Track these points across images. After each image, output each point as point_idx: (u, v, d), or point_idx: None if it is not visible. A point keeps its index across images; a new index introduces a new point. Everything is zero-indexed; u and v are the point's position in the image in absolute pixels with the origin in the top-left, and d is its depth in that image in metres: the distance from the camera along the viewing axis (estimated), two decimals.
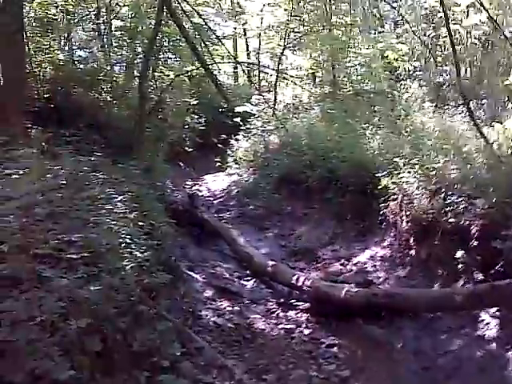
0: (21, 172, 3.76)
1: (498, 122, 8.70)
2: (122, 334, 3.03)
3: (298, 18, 15.02)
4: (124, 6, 11.30)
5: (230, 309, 5.48)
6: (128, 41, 11.16)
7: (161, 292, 4.19)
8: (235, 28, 17.54)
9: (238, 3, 16.66)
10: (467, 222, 5.26)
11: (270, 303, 5.85)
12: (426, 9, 14.38)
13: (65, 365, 2.35)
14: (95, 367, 2.68)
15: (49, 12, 9.26)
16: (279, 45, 15.36)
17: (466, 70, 12.87)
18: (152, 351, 3.37)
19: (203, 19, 11.20)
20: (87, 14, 12.78)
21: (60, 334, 2.46)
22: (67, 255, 2.98)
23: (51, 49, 8.37)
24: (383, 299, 4.86)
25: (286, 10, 14.47)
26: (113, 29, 11.45)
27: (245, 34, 18.44)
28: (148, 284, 3.83)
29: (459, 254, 5.20)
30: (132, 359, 3.11)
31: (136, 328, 3.26)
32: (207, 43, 11.67)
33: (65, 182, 4.21)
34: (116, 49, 11.80)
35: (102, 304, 2.84)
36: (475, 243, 5.05)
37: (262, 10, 14.51)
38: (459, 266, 5.17)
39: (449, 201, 5.62)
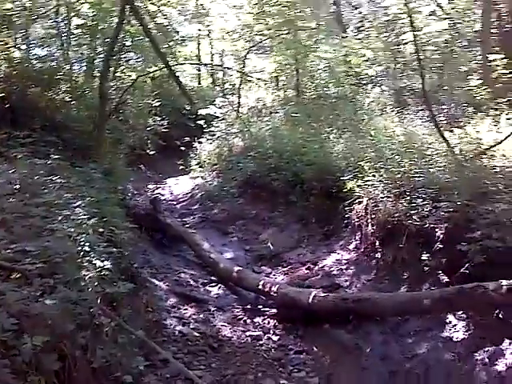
0: None
1: (458, 126, 8.91)
2: (82, 350, 2.84)
3: (262, 22, 15.01)
4: (85, 3, 10.93)
5: (195, 317, 5.33)
6: (88, 39, 10.83)
7: (122, 302, 4.00)
8: (199, 30, 17.36)
9: (201, 5, 16.46)
10: (432, 225, 5.30)
11: (237, 310, 5.73)
12: (389, 15, 14.66)
13: None
14: None
15: (5, 7, 8.83)
16: (243, 48, 15.31)
17: (428, 75, 13.13)
18: (114, 366, 3.19)
19: (167, 19, 10.97)
20: (46, 11, 12.35)
21: (12, 354, 2.26)
22: (20, 266, 2.75)
23: (6, 46, 7.94)
24: (352, 304, 4.82)
25: (250, 13, 14.43)
26: (72, 27, 11.06)
27: (209, 36, 18.27)
28: (109, 294, 3.64)
29: (424, 256, 5.23)
30: (93, 376, 2.93)
31: (96, 342, 3.07)
32: (171, 44, 11.45)
33: (18, 187, 3.97)
34: (76, 47, 11.44)
35: (59, 319, 2.64)
36: (440, 246, 5.09)
37: (226, 13, 14.40)
38: (425, 268, 5.21)
39: (413, 204, 5.65)
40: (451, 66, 13.54)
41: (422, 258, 5.24)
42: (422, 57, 10.17)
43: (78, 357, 2.74)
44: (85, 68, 11.34)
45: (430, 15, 12.62)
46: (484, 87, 10.33)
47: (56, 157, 5.56)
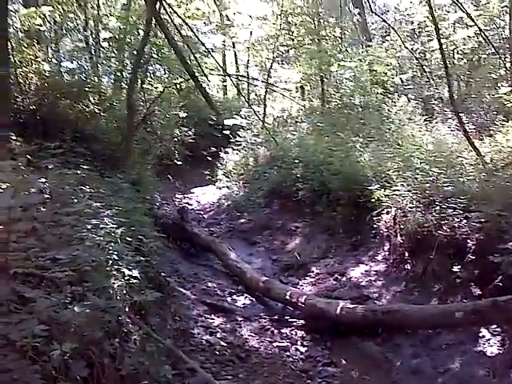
0: (2, 186, 3.57)
1: (488, 135, 8.73)
2: (110, 358, 2.85)
3: (286, 32, 15.07)
4: (112, 16, 11.18)
5: (222, 326, 5.31)
6: (116, 52, 11.05)
7: (150, 311, 4.01)
8: (224, 41, 17.55)
9: (226, 16, 16.65)
10: (463, 236, 5.17)
11: (264, 320, 5.68)
12: (413, 23, 14.53)
13: None
14: None
15: (35, 22, 9.11)
16: (268, 58, 15.38)
17: (455, 83, 12.96)
18: (142, 374, 3.18)
19: (192, 31, 11.11)
20: (75, 26, 12.71)
21: (42, 360, 2.27)
22: (50, 274, 2.79)
23: (38, 59, 8.17)
24: (382, 316, 4.71)
25: (274, 23, 14.50)
26: (101, 40, 11.33)
27: (234, 47, 18.44)
28: (137, 302, 3.65)
29: (455, 268, 5.10)
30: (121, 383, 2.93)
31: (124, 350, 3.08)
32: (196, 55, 11.58)
33: (49, 197, 4.04)
34: (104, 60, 11.70)
35: (88, 326, 2.66)
36: (472, 257, 4.96)
37: (250, 24, 14.50)
38: (456, 280, 5.07)
39: (443, 214, 5.53)
40: (479, 73, 13.30)
41: (453, 269, 5.12)
42: (448, 64, 10.05)
43: (106, 364, 2.74)
44: (113, 80, 11.57)
45: (456, 22, 12.47)
46: None
47: (85, 167, 5.66)
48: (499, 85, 11.51)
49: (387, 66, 13.79)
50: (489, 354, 4.19)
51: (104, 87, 10.72)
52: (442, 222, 5.46)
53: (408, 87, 15.38)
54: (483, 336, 4.35)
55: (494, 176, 6.12)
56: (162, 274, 5.06)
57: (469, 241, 5.09)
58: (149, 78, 11.73)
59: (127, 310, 3.41)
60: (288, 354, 4.82)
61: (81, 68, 10.93)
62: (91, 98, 8.84)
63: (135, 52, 9.32)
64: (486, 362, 4.11)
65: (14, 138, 5.86)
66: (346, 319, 5.03)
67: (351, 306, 5.09)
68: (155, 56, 11.07)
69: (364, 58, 13.97)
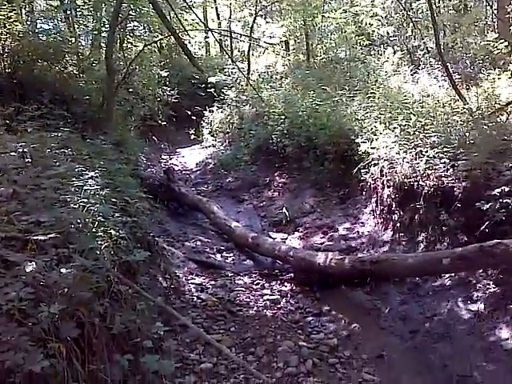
0: None
1: (475, 83, 8.66)
2: (100, 317, 2.85)
3: None
4: None
5: (212, 283, 5.35)
6: (92, 10, 10.65)
7: (140, 270, 4.00)
8: None
9: None
10: (450, 185, 5.19)
11: (254, 275, 5.74)
12: None
13: (38, 355, 2.16)
14: (73, 355, 2.50)
15: None
16: (250, 13, 14.94)
17: (441, 32, 12.73)
18: (133, 332, 3.20)
19: None
20: None
21: (31, 323, 2.26)
22: (35, 237, 2.74)
23: (11, 20, 7.83)
24: (370, 265, 4.77)
25: None
26: None
27: (215, 2, 17.87)
28: (125, 263, 3.64)
29: (442, 216, 5.14)
30: (112, 343, 2.94)
31: (115, 310, 3.08)
32: (176, 11, 11.20)
33: (30, 160, 3.95)
34: (80, 19, 11.28)
35: (76, 287, 2.64)
36: (459, 205, 4.99)
37: None
38: (443, 228, 5.13)
39: (430, 163, 5.52)
40: (466, 21, 13.06)
41: (440, 217, 5.16)
42: (435, 13, 9.81)
43: (97, 324, 2.74)
44: (91, 40, 11.20)
45: None
46: (501, 41, 9.96)
47: (66, 130, 5.53)
48: (486, 33, 11.35)
49: (372, 16, 13.47)
50: (475, 298, 4.28)
51: (82, 47, 10.39)
52: (429, 172, 5.46)
53: (394, 38, 15.12)
54: (470, 281, 4.44)
55: (481, 124, 6.09)
56: (151, 233, 5.03)
57: (456, 189, 5.11)
58: (128, 37, 11.36)
59: (116, 270, 3.39)
60: (278, 306, 4.89)
61: (57, 28, 10.51)
62: (69, 59, 8.57)
63: (112, 9, 8.98)
64: (472, 306, 4.21)
65: None
66: (334, 270, 5.09)
67: (339, 257, 5.14)
68: (133, 13, 10.68)
69: (349, 9, 13.62)
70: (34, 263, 2.54)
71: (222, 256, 6.34)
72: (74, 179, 3.96)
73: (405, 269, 4.60)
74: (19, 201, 3.19)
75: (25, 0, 11.77)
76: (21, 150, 4.03)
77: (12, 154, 3.96)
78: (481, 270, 4.38)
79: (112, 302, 3.14)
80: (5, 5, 7.95)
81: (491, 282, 4.26)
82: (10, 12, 7.91)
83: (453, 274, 4.63)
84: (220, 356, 3.79)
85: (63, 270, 2.63)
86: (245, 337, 4.19)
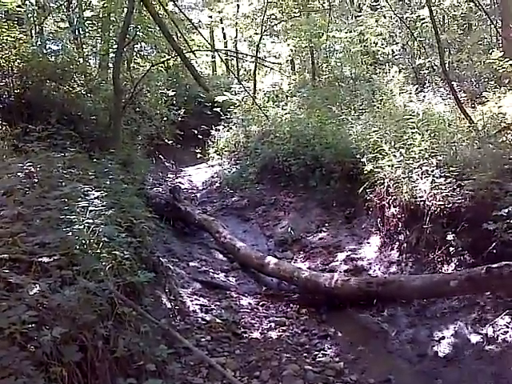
0: None
1: (480, 102, 8.66)
2: (104, 340, 2.83)
3: (274, 4, 14.78)
4: None
5: (217, 304, 5.31)
6: (100, 31, 10.82)
7: (144, 291, 3.99)
8: (211, 17, 17.21)
9: None
10: (456, 205, 5.15)
11: (259, 296, 5.71)
12: None
13: (39, 380, 2.14)
14: (75, 379, 2.48)
15: (17, 3, 8.84)
16: (256, 33, 15.12)
17: (446, 51, 12.79)
18: (137, 355, 3.17)
19: (178, 7, 10.88)
20: (58, 5, 12.39)
21: (33, 347, 2.25)
22: (39, 258, 2.74)
23: (20, 41, 7.96)
24: (377, 287, 4.72)
25: None
26: (84, 19, 11.06)
27: (221, 23, 18.11)
28: (129, 284, 3.62)
29: (449, 237, 5.09)
30: (115, 366, 2.91)
31: (118, 332, 3.06)
32: (183, 32, 11.35)
33: (36, 180, 3.97)
34: (89, 40, 11.46)
35: (79, 310, 2.63)
36: (465, 225, 4.94)
37: None
38: (450, 249, 5.07)
39: (436, 183, 5.50)
40: (470, 40, 13.12)
41: (447, 238, 5.10)
42: (439, 32, 9.88)
43: (100, 347, 2.72)
44: (98, 60, 11.36)
45: None
46: (505, 60, 9.99)
47: (73, 149, 5.57)
48: (490, 51, 11.38)
49: (377, 35, 13.59)
50: (483, 321, 4.20)
51: (90, 68, 10.52)
52: (435, 192, 5.43)
53: (399, 57, 15.20)
54: (477, 303, 4.37)
55: (487, 143, 6.07)
56: (156, 254, 5.03)
57: (462, 209, 5.07)
58: (135, 57, 11.52)
59: (120, 291, 3.38)
60: (283, 328, 4.83)
61: (65, 49, 10.67)
62: (77, 79, 8.67)
63: (120, 31, 9.12)
64: (480, 330, 4.13)
65: None
66: (340, 292, 5.04)
67: (345, 278, 5.09)
68: (140, 34, 10.85)
69: (354, 29, 13.75)
70: (37, 285, 2.54)
71: (227, 276, 6.30)
72: (79, 199, 3.97)
73: (412, 291, 4.54)
74: (24, 222, 3.20)
75: (35, 21, 12.03)
76: (27, 171, 4.05)
77: (18, 174, 3.99)
78: (488, 293, 4.31)
79: (115, 324, 3.12)
80: (15, 27, 8.10)
81: (499, 304, 4.19)
82: (19, 34, 8.07)
83: (461, 296, 4.57)
84: (224, 380, 3.73)
85: (67, 293, 2.62)
86: (249, 360, 4.13)
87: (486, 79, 10.56)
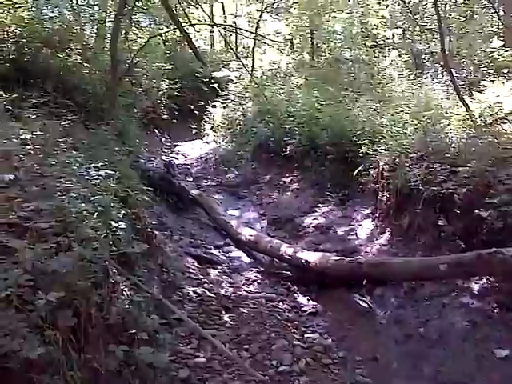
0: None
1: (478, 90, 8.67)
2: (97, 308, 2.85)
3: None
4: None
5: (209, 278, 5.36)
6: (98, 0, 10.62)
7: (138, 262, 4.00)
8: None
9: None
10: (450, 191, 5.18)
11: (251, 272, 5.76)
12: None
13: (35, 341, 2.16)
14: (69, 343, 2.50)
15: None
16: (257, 10, 14.90)
17: (447, 38, 12.73)
18: (129, 324, 3.20)
19: None
20: None
21: (28, 310, 2.26)
22: (35, 224, 2.74)
23: (16, 6, 7.79)
24: (367, 268, 4.78)
25: None
26: None
27: None
28: (124, 254, 3.63)
29: (441, 222, 5.14)
30: (108, 333, 2.94)
31: (111, 300, 3.08)
32: (183, 5, 11.18)
33: (31, 147, 3.94)
34: (86, 8, 11.24)
35: (74, 276, 2.64)
36: (458, 212, 4.98)
37: None
38: (441, 234, 5.12)
39: (431, 169, 5.52)
40: (471, 27, 13.07)
41: (439, 223, 5.15)
42: (441, 18, 9.81)
43: (94, 314, 2.74)
44: (96, 30, 11.16)
45: None
46: (506, 49, 9.97)
47: (69, 118, 5.51)
48: (491, 40, 11.35)
49: (379, 18, 13.47)
50: (470, 305, 4.28)
51: (87, 36, 10.34)
52: (430, 177, 5.46)
53: (399, 41, 15.12)
54: (466, 287, 4.44)
55: (483, 131, 6.10)
56: (150, 226, 5.02)
57: (455, 195, 5.10)
58: (133, 28, 11.33)
59: (114, 261, 3.39)
60: (274, 304, 4.90)
61: (62, 16, 10.47)
62: (73, 48, 8.53)
63: (118, 0, 8.96)
64: (467, 313, 4.21)
65: None
66: (331, 271, 5.10)
67: (337, 258, 5.15)
68: (139, 4, 10.64)
69: (355, 10, 13.61)
70: (33, 250, 2.54)
71: (219, 252, 6.34)
72: (75, 168, 3.95)
73: (402, 273, 4.61)
74: (20, 187, 3.18)
75: None
76: (23, 137, 4.02)
77: (14, 140, 3.95)
78: (477, 278, 4.38)
79: (109, 292, 3.14)
80: None
81: (487, 290, 4.27)
82: None
83: (450, 281, 4.64)
84: (214, 351, 3.79)
85: (62, 259, 2.63)
86: (239, 333, 4.20)
87: (486, 68, 10.55)
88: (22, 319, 2.18)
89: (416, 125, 6.93)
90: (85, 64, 8.34)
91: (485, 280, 4.36)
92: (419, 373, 3.83)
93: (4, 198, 2.93)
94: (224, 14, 18.89)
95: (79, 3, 11.22)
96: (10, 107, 5.26)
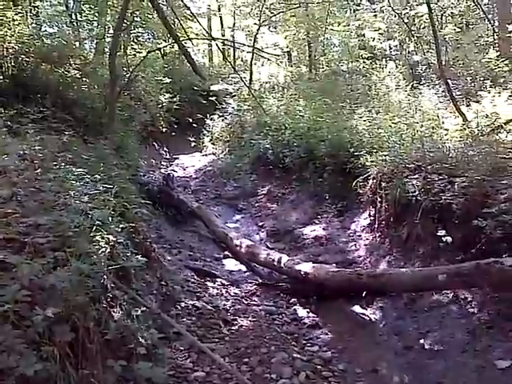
0: None
1: (475, 100, 8.72)
2: (95, 322, 2.84)
3: None
4: None
5: (208, 291, 5.34)
6: (97, 15, 10.72)
7: (136, 276, 3.99)
8: (209, 5, 17.11)
9: None
10: (448, 201, 5.19)
11: (250, 285, 5.74)
12: None
13: (32, 358, 2.15)
14: (66, 359, 2.49)
15: None
16: (255, 23, 15.05)
17: (443, 49, 12.83)
18: (127, 338, 3.19)
19: None
20: None
21: (25, 326, 2.26)
22: (33, 239, 2.74)
23: (15, 22, 7.87)
24: (367, 279, 4.77)
25: None
26: (81, 3, 10.95)
27: (219, 11, 17.99)
28: (122, 268, 3.63)
29: (440, 232, 5.13)
30: (106, 348, 2.93)
31: (110, 315, 3.08)
32: (181, 19, 11.28)
33: (30, 162, 3.95)
34: (85, 24, 11.35)
35: (72, 291, 2.64)
36: (456, 222, 4.99)
37: None
38: (440, 244, 5.12)
39: (429, 179, 5.54)
40: (467, 38, 13.17)
41: (438, 234, 5.14)
42: (437, 30, 9.90)
43: (92, 329, 2.74)
44: (95, 45, 11.26)
45: None
46: (502, 59, 10.06)
47: (68, 133, 5.55)
48: (487, 51, 11.44)
49: (375, 30, 13.60)
50: (470, 316, 4.26)
51: (86, 52, 10.44)
52: (427, 187, 5.47)
53: (396, 53, 15.23)
54: (465, 298, 4.43)
55: (480, 141, 6.13)
56: (148, 240, 5.02)
57: (453, 205, 5.11)
58: (132, 43, 11.43)
59: (112, 275, 3.39)
60: (274, 317, 4.88)
61: (61, 32, 10.59)
62: (72, 63, 8.60)
63: (117, 15, 9.04)
64: (467, 324, 4.20)
65: None
66: (331, 283, 5.09)
67: (336, 269, 5.14)
68: (138, 19, 10.77)
69: (352, 23, 13.74)
70: (30, 265, 2.54)
71: (218, 264, 6.34)
72: (73, 183, 3.97)
73: (401, 284, 4.59)
74: (18, 202, 3.19)
75: (30, 3, 11.88)
76: (21, 152, 4.04)
77: (13, 155, 3.97)
78: (476, 288, 4.37)
79: (107, 307, 3.14)
80: (10, 7, 8.01)
81: (486, 300, 4.25)
82: (15, 14, 7.98)
83: (449, 291, 4.63)
84: (213, 365, 3.76)
85: (60, 274, 2.63)
86: (239, 346, 4.16)
87: (482, 78, 10.61)
88: (19, 335, 2.17)
89: (413, 135, 6.96)
90: (84, 79, 8.41)
91: (484, 290, 4.35)
92: None
93: (2, 214, 2.94)
94: (222, 27, 19.07)
95: (78, 19, 11.33)
96: (9, 123, 5.30)
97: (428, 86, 10.65)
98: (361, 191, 6.72)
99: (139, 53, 11.29)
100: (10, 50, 7.46)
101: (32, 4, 11.58)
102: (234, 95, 12.33)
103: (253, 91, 12.03)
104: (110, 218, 3.84)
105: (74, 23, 11.41)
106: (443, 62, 9.94)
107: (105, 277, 3.16)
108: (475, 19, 13.74)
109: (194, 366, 3.75)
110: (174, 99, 12.68)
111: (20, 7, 9.41)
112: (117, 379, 2.83)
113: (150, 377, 2.98)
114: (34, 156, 4.06)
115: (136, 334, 3.27)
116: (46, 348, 2.33)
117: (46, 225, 2.96)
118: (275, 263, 5.74)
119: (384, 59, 13.95)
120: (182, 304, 4.77)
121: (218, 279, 5.78)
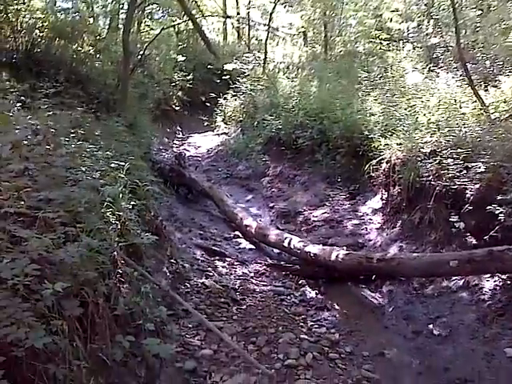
0: None
1: (493, 85, 8.52)
2: (104, 298, 2.86)
3: None
4: None
5: (218, 270, 5.36)
6: None
7: (146, 253, 4.01)
8: None
9: None
10: (462, 186, 5.11)
11: (259, 265, 5.74)
12: None
13: (40, 331, 2.17)
14: (75, 333, 2.52)
15: None
16: (271, 1, 14.80)
17: (462, 31, 12.51)
18: (136, 314, 3.22)
19: None
20: None
21: (35, 299, 2.27)
22: (43, 214, 2.74)
23: None
24: (377, 263, 4.74)
25: None
26: None
27: None
28: (132, 245, 3.65)
29: (453, 218, 5.07)
30: (115, 323, 2.96)
31: (119, 291, 3.10)
32: None
33: (43, 137, 3.95)
34: (99, 0, 11.26)
35: (81, 266, 2.65)
36: (470, 208, 4.90)
37: None
38: (452, 230, 5.06)
39: (443, 164, 5.45)
40: (488, 20, 12.81)
41: (450, 219, 5.08)
42: (457, 11, 9.63)
43: (101, 304, 2.76)
44: (109, 21, 11.18)
45: None
46: None
47: (80, 109, 5.54)
48: (508, 34, 11.12)
49: (393, 11, 13.30)
50: (480, 303, 4.23)
51: (99, 28, 10.37)
52: (442, 172, 5.39)
53: (414, 34, 14.90)
54: (476, 284, 4.39)
55: (497, 127, 5.99)
56: (159, 218, 5.03)
57: (467, 191, 5.04)
58: (146, 19, 11.33)
59: (122, 251, 3.40)
60: (282, 297, 4.88)
61: (75, 7, 10.50)
62: (86, 39, 8.57)
63: None
64: (477, 310, 4.16)
65: (6, 77, 5.71)
66: (340, 266, 5.07)
67: (346, 252, 5.11)
68: None
69: (370, 3, 13.45)
70: (41, 240, 2.54)
71: (228, 244, 6.34)
72: (85, 159, 3.97)
73: (411, 268, 4.55)
74: (30, 177, 3.19)
75: None
76: (34, 127, 4.03)
77: (25, 129, 3.97)
78: (487, 275, 4.32)
79: (117, 283, 3.16)
80: None
81: (497, 287, 4.21)
82: None
83: (459, 277, 4.58)
84: (221, 343, 3.79)
85: (70, 249, 2.64)
86: (247, 326, 4.19)
87: (502, 62, 10.35)
88: (28, 308, 2.19)
89: (429, 119, 6.83)
90: (97, 55, 8.38)
91: (496, 277, 4.31)
92: (427, 369, 3.79)
93: (13, 188, 2.94)
94: (237, 5, 18.78)
95: None
96: (23, 97, 5.30)
97: (445, 69, 10.41)
98: (373, 174, 6.65)
99: (153, 30, 11.20)
100: (24, 25, 7.44)
101: None
102: (248, 75, 12.18)
103: (267, 71, 11.91)
104: (121, 195, 3.84)
105: None
106: (462, 45, 9.69)
107: (115, 253, 3.18)
108: (498, 1, 13.33)
109: (201, 344, 3.79)
110: (188, 77, 12.59)
111: None
112: (125, 354, 2.86)
113: (158, 352, 3.02)
114: (46, 131, 4.05)
115: (145, 310, 3.30)
116: (54, 322, 2.35)
117: (57, 200, 2.97)
118: (285, 244, 5.73)
119: (401, 41, 13.66)
120: (192, 282, 4.80)
121: (228, 258, 5.79)
